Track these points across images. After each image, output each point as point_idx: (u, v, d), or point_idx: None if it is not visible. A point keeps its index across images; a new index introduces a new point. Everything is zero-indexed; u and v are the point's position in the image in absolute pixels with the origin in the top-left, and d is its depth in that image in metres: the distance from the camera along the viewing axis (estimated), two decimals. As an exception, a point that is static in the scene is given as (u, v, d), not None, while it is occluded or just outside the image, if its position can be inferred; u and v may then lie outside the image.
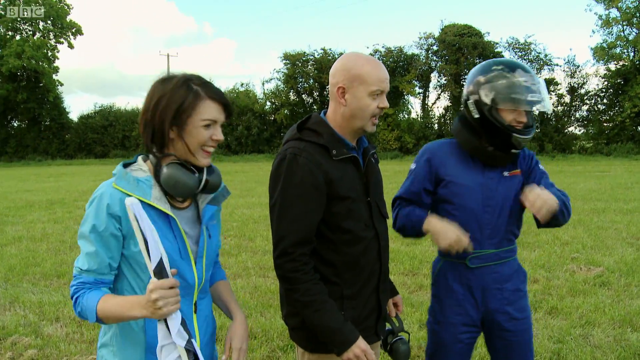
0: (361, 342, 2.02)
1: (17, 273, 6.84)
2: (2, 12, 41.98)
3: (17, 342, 4.52)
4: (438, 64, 36.54)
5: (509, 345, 2.47)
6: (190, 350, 1.57)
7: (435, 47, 36.46)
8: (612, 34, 33.55)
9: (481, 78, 2.37)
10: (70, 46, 44.54)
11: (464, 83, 2.48)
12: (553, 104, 34.78)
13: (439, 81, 37.05)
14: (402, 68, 37.00)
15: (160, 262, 1.52)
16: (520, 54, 34.82)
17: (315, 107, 39.20)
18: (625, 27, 33.10)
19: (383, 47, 37.72)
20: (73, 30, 44.23)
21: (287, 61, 38.83)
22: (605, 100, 34.10)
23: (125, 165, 1.76)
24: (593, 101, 34.49)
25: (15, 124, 44.50)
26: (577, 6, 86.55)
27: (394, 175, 20.15)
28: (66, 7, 43.90)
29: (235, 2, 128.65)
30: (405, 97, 37.48)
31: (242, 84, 43.00)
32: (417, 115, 37.78)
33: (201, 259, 1.81)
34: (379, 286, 2.21)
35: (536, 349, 4.05)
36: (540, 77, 34.27)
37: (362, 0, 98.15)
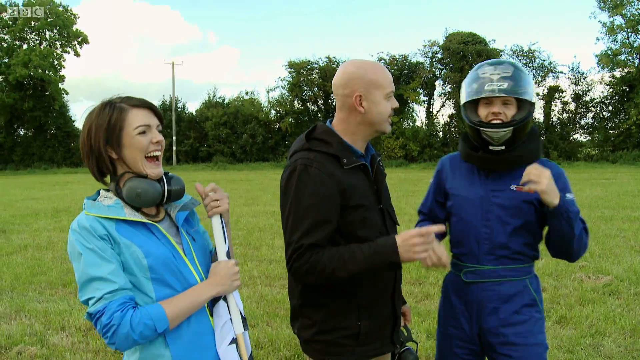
0: (401, 235, 1.91)
1: (22, 282, 6.83)
2: (10, 22, 42.29)
3: (23, 351, 4.49)
4: (442, 72, 36.62)
5: None
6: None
7: (439, 55, 36.57)
8: (616, 41, 33.63)
9: (462, 84, 2.41)
10: (77, 55, 44.92)
11: None
12: (558, 112, 34.72)
13: (443, 89, 37.15)
14: (406, 76, 37.06)
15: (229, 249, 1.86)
16: (524, 61, 34.83)
17: (320, 115, 39.26)
18: (630, 34, 33.13)
19: (387, 55, 37.86)
20: (79, 39, 44.61)
21: (292, 69, 38.96)
22: (610, 108, 34.09)
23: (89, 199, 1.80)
24: (598, 108, 34.50)
25: (21, 133, 44.81)
26: (582, 13, 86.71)
27: (399, 184, 20.13)
28: (72, 17, 44.23)
29: (239, 10, 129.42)
30: (410, 105, 37.51)
31: (246, 92, 43.21)
32: (422, 123, 37.83)
33: (193, 261, 1.81)
34: (394, 294, 2.18)
35: (546, 359, 3.99)
36: (545, 84, 34.69)
37: (366, 8, 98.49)
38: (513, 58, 35.02)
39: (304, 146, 2.07)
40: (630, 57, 32.87)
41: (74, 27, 44.18)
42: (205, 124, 41.53)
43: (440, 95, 37.61)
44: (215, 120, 40.82)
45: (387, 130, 2.12)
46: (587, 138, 34.93)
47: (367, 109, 2.04)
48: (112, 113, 1.71)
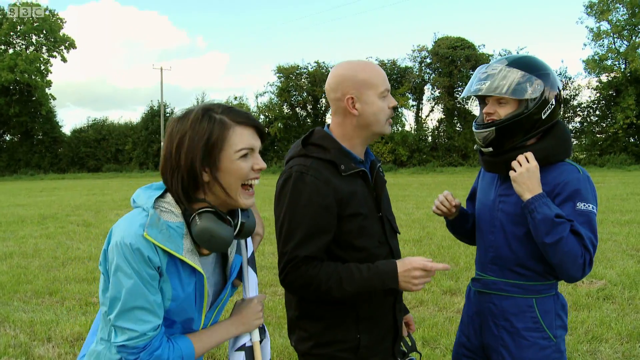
0: (403, 263, 1.85)
1: (7, 291, 6.67)
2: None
3: (7, 363, 4.37)
4: (431, 77, 36.74)
5: None
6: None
7: (428, 60, 36.71)
8: (603, 46, 34.03)
9: None
10: (64, 60, 44.56)
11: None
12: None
13: (432, 94, 37.30)
14: (395, 81, 37.14)
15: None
16: (513, 66, 34.94)
17: (308, 120, 39.24)
18: (616, 39, 33.49)
19: (376, 60, 37.88)
20: (66, 44, 44.29)
21: (281, 74, 38.93)
22: (597, 112, 34.39)
23: (156, 199, 1.56)
24: (585, 113, 34.75)
25: (7, 138, 44.36)
26: (569, 19, 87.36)
27: (388, 188, 19.88)
28: (59, 21, 43.92)
29: (227, 16, 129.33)
30: (399, 109, 37.56)
31: (235, 97, 43.03)
32: (411, 128, 37.89)
33: (214, 310, 1.72)
34: (395, 305, 2.08)
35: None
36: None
37: (355, 13, 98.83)
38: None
39: (300, 152, 1.98)
40: (616, 62, 33.23)
41: (61, 32, 43.87)
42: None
43: (429, 100, 37.79)
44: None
45: (387, 131, 2.03)
46: (575, 142, 35.15)
47: (361, 110, 1.95)
48: (212, 127, 1.51)
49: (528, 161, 2.05)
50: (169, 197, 1.58)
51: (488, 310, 2.22)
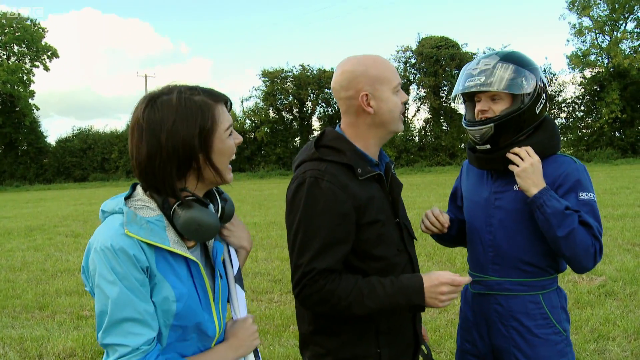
0: (430, 278, 1.75)
1: (-5, 306, 6.49)
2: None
3: (-2, 383, 4.21)
4: (416, 77, 36.73)
5: None
6: None
7: (413, 60, 36.70)
8: (586, 42, 34.26)
9: None
10: (46, 69, 44.04)
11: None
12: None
13: (418, 94, 37.24)
14: (381, 81, 37.10)
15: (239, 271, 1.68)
16: (497, 64, 35.13)
17: (295, 123, 39.13)
18: (598, 35, 33.70)
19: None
20: (49, 54, 43.78)
21: (266, 78, 38.78)
22: (582, 107, 34.58)
23: (125, 200, 1.46)
24: (571, 108, 34.95)
25: (-9, 150, 43.69)
26: (551, 15, 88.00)
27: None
28: (41, 31, 43.45)
29: (210, 21, 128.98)
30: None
31: (221, 102, 42.76)
32: (398, 128, 37.84)
33: (217, 304, 1.57)
34: (415, 316, 1.97)
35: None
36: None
37: (338, 15, 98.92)
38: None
39: (313, 155, 1.84)
40: (599, 58, 33.43)
41: (43, 42, 43.39)
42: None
43: (415, 100, 37.75)
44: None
45: (400, 128, 1.91)
46: (561, 138, 35.30)
47: (377, 108, 1.83)
48: (201, 111, 1.42)
49: (529, 155, 2.02)
50: (139, 194, 1.47)
51: (494, 311, 2.15)
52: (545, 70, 35.04)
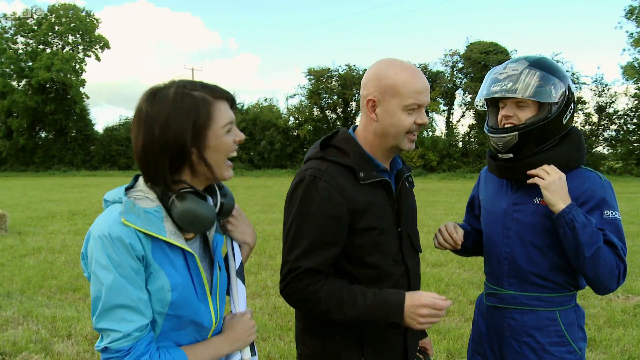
0: (412, 297, 1.69)
1: (33, 285, 6.72)
2: (35, 27, 42.96)
3: (27, 359, 4.34)
4: (463, 82, 36.28)
5: None
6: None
7: (460, 65, 36.29)
8: (643, 52, 32.98)
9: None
10: (98, 59, 45.38)
11: None
12: (580, 124, 34.21)
13: (463, 99, 36.84)
14: (426, 85, 36.80)
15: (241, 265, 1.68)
16: (547, 72, 34.36)
17: (338, 123, 39.17)
18: (656, 45, 32.52)
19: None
20: (101, 44, 45.06)
21: (312, 77, 38.95)
22: (635, 120, 33.39)
23: (126, 190, 1.50)
24: (622, 121, 33.81)
25: (42, 135, 45.28)
26: (607, 24, 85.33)
27: (417, 193, 19.52)
28: (95, 21, 44.75)
29: (260, 17, 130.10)
30: (430, 114, 37.22)
31: (265, 99, 43.28)
32: (442, 133, 37.47)
33: (215, 296, 1.58)
34: (407, 330, 1.88)
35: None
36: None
37: (388, 17, 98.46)
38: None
39: (318, 154, 1.83)
40: (656, 69, 32.29)
41: (96, 32, 44.69)
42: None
43: (460, 105, 37.34)
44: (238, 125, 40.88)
45: (404, 147, 1.81)
46: (610, 151, 34.27)
47: (380, 117, 1.78)
48: (197, 106, 1.43)
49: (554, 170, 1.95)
50: (140, 185, 1.50)
51: (507, 326, 2.08)
52: (597, 80, 34.09)
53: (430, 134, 37.28)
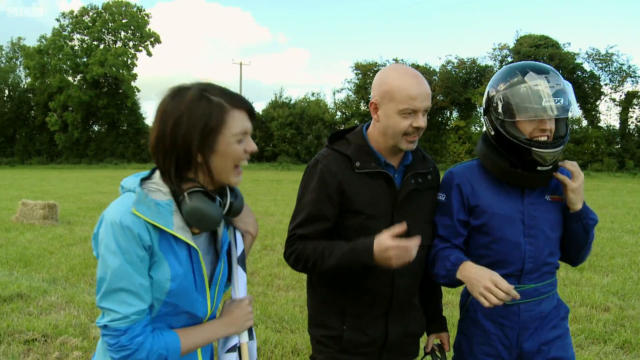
0: (379, 243, 1.81)
1: (76, 273, 7.01)
2: (90, 24, 44.38)
3: (66, 342, 4.55)
4: (513, 76, 35.50)
5: None
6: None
7: (509, 59, 35.50)
8: None
9: (492, 90, 2.08)
10: (149, 54, 46.47)
11: None
12: (636, 119, 33.03)
13: (513, 93, 35.98)
14: (474, 80, 36.26)
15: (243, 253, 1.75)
16: (600, 65, 33.31)
17: (384, 117, 39.02)
18: None
19: (456, 58, 37.16)
20: (152, 40, 46.15)
21: (358, 71, 38.88)
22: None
23: (142, 180, 1.57)
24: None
25: (95, 129, 46.79)
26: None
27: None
28: (146, 17, 45.88)
29: (309, 11, 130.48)
30: (478, 109, 36.62)
31: (312, 94, 43.51)
32: (489, 128, 36.79)
33: (214, 288, 1.66)
34: (388, 313, 2.06)
35: (604, 386, 3.66)
36: (623, 89, 33.12)
37: (436, 10, 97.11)
38: (588, 62, 33.64)
39: (327, 143, 2.11)
40: None
41: (147, 28, 45.81)
42: (271, 124, 42.03)
43: (509, 100, 36.54)
44: (281, 120, 41.25)
45: (403, 147, 1.98)
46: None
47: (381, 119, 1.99)
48: (211, 110, 1.48)
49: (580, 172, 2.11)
50: (156, 178, 1.57)
51: (529, 318, 2.11)
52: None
53: (479, 129, 36.69)
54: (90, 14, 45.13)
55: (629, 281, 6.55)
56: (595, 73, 33.82)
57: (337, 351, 2.04)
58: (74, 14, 45.38)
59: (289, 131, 40.92)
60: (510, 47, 35.45)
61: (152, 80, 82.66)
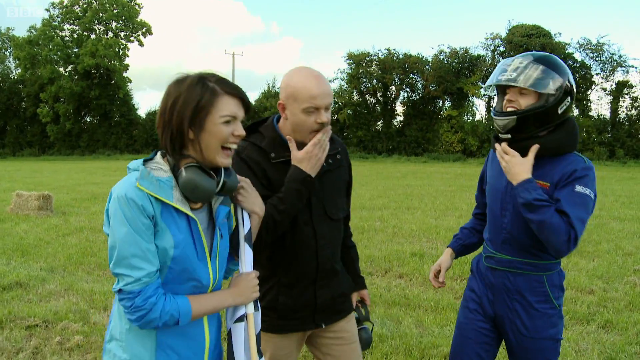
0: (299, 157, 2.15)
1: (74, 262, 7.11)
2: (80, 14, 44.01)
3: (67, 327, 4.68)
4: (504, 65, 35.56)
5: (515, 357, 2.46)
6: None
7: (501, 48, 35.60)
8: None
9: None
10: (141, 45, 46.21)
11: None
12: (626, 108, 33.26)
13: (505, 83, 36.05)
14: (467, 69, 36.33)
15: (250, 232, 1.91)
16: (591, 55, 33.48)
17: (378, 107, 39.06)
18: None
19: (448, 47, 37.23)
20: (143, 30, 45.85)
21: (351, 61, 38.85)
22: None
23: (145, 161, 1.75)
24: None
25: (87, 120, 46.49)
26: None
27: (455, 178, 19.81)
28: (137, 7, 45.54)
29: (302, 1, 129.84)
30: (470, 99, 36.76)
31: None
32: (482, 118, 36.94)
33: (215, 259, 1.82)
34: (316, 281, 2.32)
35: (585, 363, 3.83)
36: (613, 79, 33.28)
37: (428, 0, 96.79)
38: (579, 52, 33.79)
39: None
40: None
41: (138, 18, 45.51)
42: (263, 114, 41.95)
43: (502, 90, 36.60)
44: (274, 110, 41.15)
45: (307, 142, 2.19)
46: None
47: (289, 117, 2.19)
48: (203, 93, 1.68)
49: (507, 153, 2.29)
50: (157, 158, 1.76)
51: (502, 285, 2.41)
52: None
53: (470, 118, 36.84)
54: (81, 3, 44.70)
55: (614, 265, 6.74)
56: (587, 63, 33.96)
57: (275, 318, 2.29)
58: (64, 4, 44.96)
59: (281, 121, 40.81)
60: (503, 37, 35.50)
61: (144, 71, 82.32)
